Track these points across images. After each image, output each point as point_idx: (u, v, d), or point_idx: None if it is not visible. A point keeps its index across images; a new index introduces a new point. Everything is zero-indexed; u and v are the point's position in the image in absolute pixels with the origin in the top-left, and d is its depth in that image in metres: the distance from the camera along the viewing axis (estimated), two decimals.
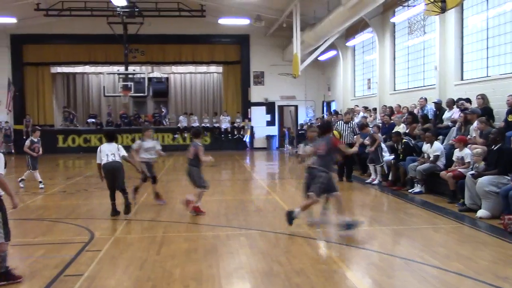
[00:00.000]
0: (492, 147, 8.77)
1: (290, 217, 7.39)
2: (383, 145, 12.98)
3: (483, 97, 11.52)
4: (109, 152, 8.96)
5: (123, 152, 9.17)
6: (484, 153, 9.05)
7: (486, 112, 11.05)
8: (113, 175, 8.94)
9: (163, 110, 28.75)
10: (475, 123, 10.27)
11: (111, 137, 9.35)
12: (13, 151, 24.70)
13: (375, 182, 12.55)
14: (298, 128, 25.52)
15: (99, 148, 9.08)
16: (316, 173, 7.20)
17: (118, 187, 9.05)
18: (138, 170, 9.87)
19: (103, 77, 28.13)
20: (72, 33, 25.34)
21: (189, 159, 9.09)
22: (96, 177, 14.75)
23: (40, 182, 12.31)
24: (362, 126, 14.06)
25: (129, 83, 24.46)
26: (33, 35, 25.26)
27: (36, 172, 12.37)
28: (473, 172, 8.79)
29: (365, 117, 17.90)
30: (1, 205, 5.29)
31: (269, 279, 5.30)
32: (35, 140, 12.57)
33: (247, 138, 26.75)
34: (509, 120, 10.26)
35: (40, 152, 12.55)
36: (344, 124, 13.35)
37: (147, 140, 10.01)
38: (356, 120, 16.48)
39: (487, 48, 12.65)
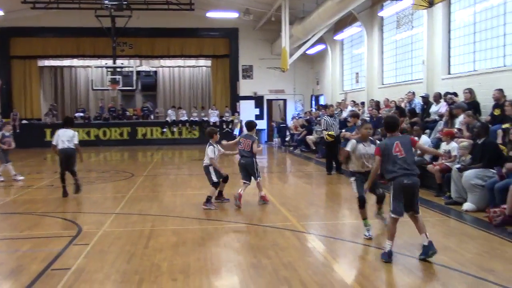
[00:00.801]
0: (477, 141, 8.87)
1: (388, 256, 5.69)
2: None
3: (470, 91, 11.62)
4: (65, 138, 9.90)
5: (76, 141, 10.03)
6: (470, 147, 9.14)
7: (473, 106, 11.16)
8: (66, 160, 9.94)
9: (147, 105, 28.67)
10: (462, 117, 10.36)
11: (68, 124, 10.29)
12: None
13: None
14: (280, 121, 25.47)
15: (56, 132, 10.08)
16: (417, 184, 5.76)
17: (69, 170, 10.04)
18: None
19: (91, 71, 27.89)
20: (60, 26, 25.08)
21: (245, 152, 9.20)
22: (86, 171, 14.73)
23: (15, 175, 12.63)
24: (353, 115, 14.11)
25: (117, 77, 24.31)
26: (20, 28, 24.98)
27: (9, 164, 12.69)
28: (458, 165, 8.89)
29: (352, 111, 17.98)
30: None
31: (257, 272, 5.33)
32: (7, 134, 12.87)
33: (236, 132, 26.74)
34: (495, 114, 10.37)
35: (12, 145, 12.87)
36: (330, 117, 13.53)
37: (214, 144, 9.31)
38: (345, 114, 16.57)
39: (474, 42, 12.74)
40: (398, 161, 5.66)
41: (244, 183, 9.17)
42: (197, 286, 4.94)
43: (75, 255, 6.00)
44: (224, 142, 10.02)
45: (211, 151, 9.07)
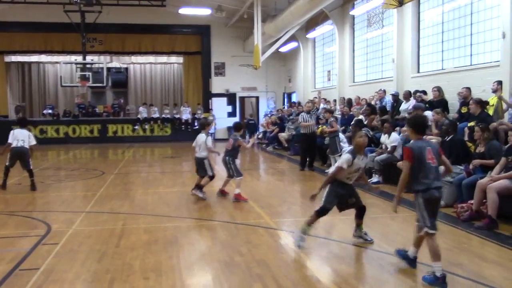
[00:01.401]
0: (445, 138, 9.05)
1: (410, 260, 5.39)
2: (341, 136, 13.18)
3: (438, 89, 11.86)
4: (20, 137, 10.49)
5: (33, 142, 10.73)
6: (438, 144, 9.31)
7: (441, 104, 11.38)
8: (19, 158, 10.57)
9: (117, 102, 28.31)
10: (430, 114, 10.56)
11: (23, 124, 11.06)
12: None
13: None
14: (249, 118, 25.45)
15: (12, 131, 10.66)
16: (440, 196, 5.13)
17: (25, 168, 10.67)
18: None
19: (60, 67, 27.31)
20: (27, 21, 24.48)
21: (228, 151, 9.46)
22: (55, 169, 14.46)
23: None
24: (327, 111, 14.25)
25: (87, 73, 23.88)
26: None
27: None
28: None
29: (325, 108, 18.13)
30: None
31: (230, 269, 5.33)
32: None
33: (212, 130, 26.61)
34: (463, 112, 10.61)
35: None
36: (306, 114, 13.66)
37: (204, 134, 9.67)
38: (318, 112, 16.64)
39: (443, 41, 13.00)
40: (432, 170, 4.97)
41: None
42: (170, 284, 4.91)
43: (44, 255, 5.89)
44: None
45: (210, 141, 9.50)
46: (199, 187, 9.47)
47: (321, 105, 18.91)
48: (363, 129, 12.11)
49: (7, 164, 10.67)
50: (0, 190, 10.53)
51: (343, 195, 6.07)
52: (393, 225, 7.40)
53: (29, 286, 4.87)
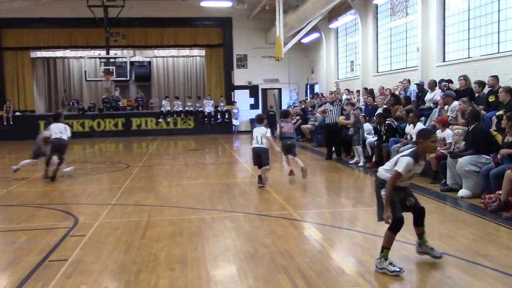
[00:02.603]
0: (469, 127, 8.91)
1: None
2: (367, 127, 13.08)
3: (465, 78, 11.64)
4: (57, 130, 11.22)
5: (69, 134, 11.49)
6: (464, 134, 9.18)
7: (468, 93, 11.17)
8: (58, 149, 11.21)
9: (140, 95, 28.53)
10: (457, 104, 10.38)
11: (57, 118, 11.81)
12: None
13: (360, 164, 12.59)
14: (270, 110, 25.36)
15: (49, 125, 11.58)
16: None
17: (59, 158, 11.25)
18: None
19: (84, 62, 27.74)
20: (52, 17, 24.88)
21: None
22: (81, 163, 14.71)
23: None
24: (348, 103, 14.17)
25: (110, 68, 24.17)
26: (11, 19, 24.74)
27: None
28: (450, 150, 8.94)
29: (349, 99, 17.99)
30: None
31: (255, 260, 5.34)
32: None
33: (236, 122, 26.69)
34: (490, 100, 10.39)
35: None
36: (331, 105, 13.63)
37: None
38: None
39: (469, 29, 12.73)
40: None
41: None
42: (195, 275, 4.95)
43: (72, 246, 6.00)
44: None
45: (269, 133, 9.95)
46: (260, 177, 9.82)
47: (344, 96, 18.76)
48: (387, 119, 12.00)
49: (47, 154, 11.31)
50: (47, 180, 11.07)
51: (402, 200, 5.12)
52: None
53: (58, 276, 4.96)
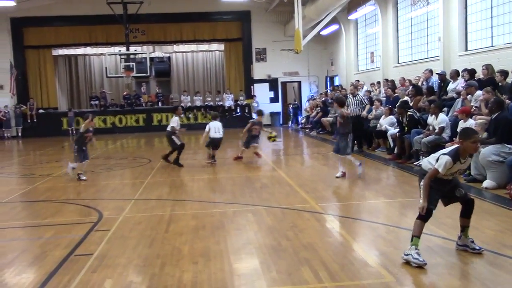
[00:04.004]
0: (492, 116, 8.76)
1: None
2: (390, 120, 13.00)
3: (487, 67, 11.42)
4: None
5: (169, 126, 12.62)
6: (485, 125, 9.04)
7: (491, 82, 10.97)
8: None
9: (161, 91, 28.63)
10: (480, 93, 10.22)
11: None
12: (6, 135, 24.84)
13: (337, 175, 10.43)
14: (293, 103, 25.23)
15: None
16: None
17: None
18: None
19: (104, 58, 28.02)
20: (72, 15, 25.16)
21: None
22: (104, 158, 14.87)
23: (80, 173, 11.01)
24: (377, 100, 14.12)
25: (131, 64, 24.37)
26: (33, 17, 25.08)
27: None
28: None
29: (369, 91, 17.85)
30: None
31: (278, 253, 5.35)
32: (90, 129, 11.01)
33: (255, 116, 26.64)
34: None
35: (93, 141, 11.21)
36: (351, 97, 13.59)
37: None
38: (361, 93, 16.43)
39: (492, 17, 12.50)
40: None
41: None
42: (218, 268, 4.99)
43: (97, 241, 6.09)
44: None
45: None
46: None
47: (364, 88, 18.62)
48: (409, 110, 11.87)
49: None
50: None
51: (448, 191, 5.15)
52: (442, 207, 7.19)
53: (84, 270, 5.05)
